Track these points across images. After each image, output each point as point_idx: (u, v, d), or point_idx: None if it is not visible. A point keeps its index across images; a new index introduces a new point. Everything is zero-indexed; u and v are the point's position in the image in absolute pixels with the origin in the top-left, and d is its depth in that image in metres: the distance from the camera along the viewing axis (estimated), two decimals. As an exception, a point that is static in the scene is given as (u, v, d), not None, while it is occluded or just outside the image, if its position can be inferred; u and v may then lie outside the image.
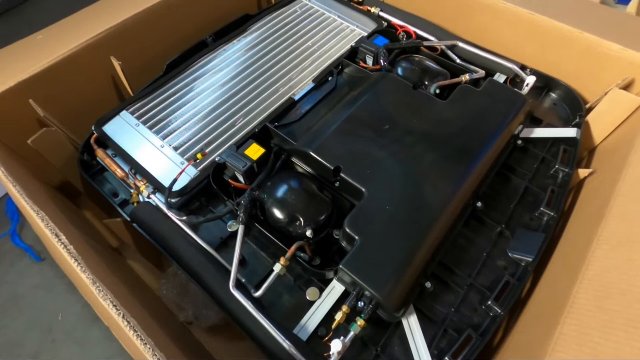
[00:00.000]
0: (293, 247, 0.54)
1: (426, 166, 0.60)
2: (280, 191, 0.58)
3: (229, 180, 0.63)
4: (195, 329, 0.71)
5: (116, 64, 0.75)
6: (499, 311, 0.54)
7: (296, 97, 0.74)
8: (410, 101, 0.68)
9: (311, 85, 0.76)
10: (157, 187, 0.64)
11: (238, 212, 0.56)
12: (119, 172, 0.65)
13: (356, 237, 0.53)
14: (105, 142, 0.69)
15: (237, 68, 0.79)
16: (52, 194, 0.67)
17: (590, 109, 0.74)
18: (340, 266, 0.51)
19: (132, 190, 0.65)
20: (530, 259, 0.57)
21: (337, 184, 0.62)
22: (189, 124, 0.71)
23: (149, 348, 0.40)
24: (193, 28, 0.86)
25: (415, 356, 0.51)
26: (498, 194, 0.66)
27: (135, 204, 0.63)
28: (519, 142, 0.70)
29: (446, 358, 0.51)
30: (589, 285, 0.44)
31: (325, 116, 0.70)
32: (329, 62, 0.81)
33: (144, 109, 0.72)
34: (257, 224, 0.59)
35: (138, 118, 0.71)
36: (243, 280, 0.56)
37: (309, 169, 0.66)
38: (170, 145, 0.68)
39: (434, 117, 0.66)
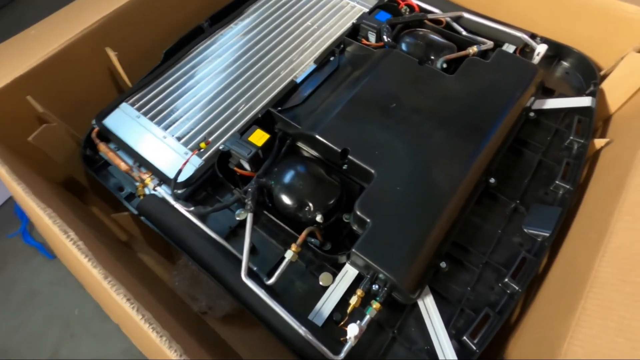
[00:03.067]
0: (304, 233, 0.53)
1: (436, 144, 0.58)
2: (288, 177, 0.57)
3: (235, 169, 0.62)
4: (210, 319, 0.71)
5: (112, 54, 0.73)
6: (517, 288, 0.53)
7: (298, 80, 0.72)
8: (416, 77, 0.66)
9: (313, 66, 0.73)
10: (162, 179, 0.63)
11: (246, 201, 0.55)
12: (123, 166, 0.64)
13: (368, 220, 0.52)
14: (107, 135, 0.68)
15: (236, 53, 0.77)
16: (57, 190, 0.67)
17: (604, 77, 0.71)
18: (353, 250, 0.50)
19: (137, 184, 0.64)
20: (547, 234, 0.56)
21: (345, 167, 0.61)
22: (191, 112, 0.69)
23: (166, 340, 0.40)
24: (188, 13, 0.83)
25: (433, 337, 0.50)
26: (511, 169, 0.64)
27: (141, 197, 0.63)
28: (532, 114, 0.68)
29: (464, 337, 0.50)
30: (611, 258, 0.42)
31: (329, 98, 0.68)
32: (330, 41, 0.78)
33: (144, 100, 0.71)
34: (265, 212, 0.58)
35: (138, 109, 0.70)
36: (255, 268, 0.55)
37: (315, 153, 0.64)
38: (172, 135, 0.67)
39: (441, 92, 0.63)
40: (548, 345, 0.42)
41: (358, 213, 0.53)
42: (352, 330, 0.47)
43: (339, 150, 0.58)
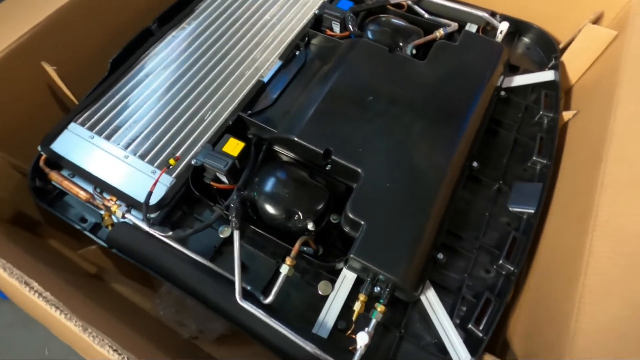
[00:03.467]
0: (297, 245, 0.50)
1: (418, 135, 0.57)
2: (271, 186, 0.54)
3: (211, 183, 0.57)
4: (203, 342, 0.67)
5: (50, 69, 0.64)
6: (512, 269, 0.53)
7: (265, 79, 0.67)
8: (388, 66, 0.64)
9: (279, 63, 0.69)
10: (130, 204, 0.57)
11: (230, 218, 0.52)
12: (83, 195, 0.57)
13: (362, 222, 0.50)
14: (58, 162, 0.60)
15: (193, 55, 0.71)
16: (5, 230, 0.58)
17: (563, 50, 0.73)
18: (352, 256, 0.48)
19: (102, 212, 0.58)
20: (532, 211, 0.57)
21: (328, 167, 0.58)
22: (152, 126, 0.63)
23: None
24: (132, 15, 0.75)
25: (439, 330, 0.50)
26: (489, 150, 0.65)
27: (109, 227, 0.56)
28: (502, 93, 0.69)
29: (470, 326, 0.50)
30: (602, 232, 0.43)
31: (301, 96, 0.65)
32: (292, 34, 0.74)
33: (96, 118, 0.63)
34: (251, 225, 0.54)
35: (91, 129, 0.62)
36: (248, 288, 0.52)
37: (294, 156, 0.61)
38: (135, 154, 0.61)
39: (416, 80, 0.62)
40: (555, 324, 0.42)
41: (351, 216, 0.51)
42: (362, 339, 0.46)
43: (321, 152, 0.55)
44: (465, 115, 0.59)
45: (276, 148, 0.62)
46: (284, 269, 0.50)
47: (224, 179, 0.57)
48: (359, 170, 0.54)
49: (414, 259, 0.49)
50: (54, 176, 0.59)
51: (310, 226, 0.52)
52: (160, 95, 0.66)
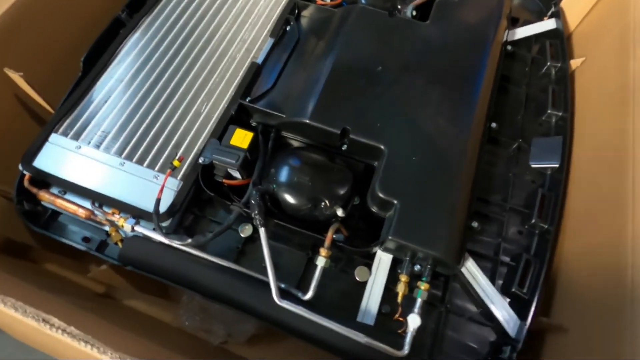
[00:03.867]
0: (330, 234, 0.47)
1: (435, 101, 0.54)
2: (291, 175, 0.50)
3: (224, 182, 0.53)
4: (233, 346, 0.64)
5: (15, 76, 0.56)
6: (545, 227, 0.53)
7: (259, 60, 0.62)
8: (391, 32, 0.60)
9: (270, 41, 0.64)
10: (137, 214, 0.52)
11: (252, 214, 0.48)
12: (82, 213, 0.52)
13: (394, 201, 0.47)
14: (45, 180, 0.54)
15: (174, 43, 0.64)
16: (4, 264, 0.52)
17: (561, -5, 0.70)
18: (390, 237, 0.46)
19: (106, 229, 0.53)
20: (557, 165, 0.56)
21: (344, 148, 0.55)
22: (144, 127, 0.57)
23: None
24: (101, 4, 0.67)
25: (484, 298, 0.49)
26: (502, 108, 0.63)
27: (119, 244, 0.51)
28: (509, 47, 0.66)
29: (513, 289, 0.49)
30: (644, 176, 0.42)
31: (303, 74, 0.60)
32: (280, 7, 0.68)
33: (79, 125, 0.57)
34: (276, 220, 0.50)
35: (75, 138, 0.56)
36: (282, 286, 0.49)
37: (306, 140, 0.57)
38: (131, 160, 0.55)
39: (423, 43, 0.58)
40: (607, 278, 0.42)
41: (382, 196, 0.48)
42: (414, 322, 0.44)
43: (338, 132, 0.51)
44: (479, 74, 0.56)
45: (285, 134, 0.58)
46: (320, 261, 0.47)
47: (237, 174, 0.52)
48: (382, 146, 0.50)
49: (454, 232, 0.47)
50: (44, 196, 0.53)
51: (340, 212, 0.48)
52: (146, 92, 0.60)
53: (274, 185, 0.50)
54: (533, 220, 0.53)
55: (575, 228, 0.52)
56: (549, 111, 0.61)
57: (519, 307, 0.49)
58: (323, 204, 0.49)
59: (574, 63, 0.65)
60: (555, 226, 0.52)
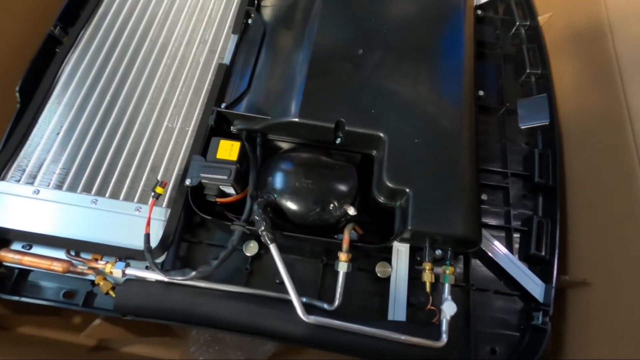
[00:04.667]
0: (346, 236, 0.44)
1: (425, 77, 0.51)
2: (293, 181, 0.46)
3: (217, 200, 0.48)
4: (254, 368, 0.60)
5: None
6: (550, 183, 0.53)
7: (226, 61, 0.56)
8: (364, 9, 0.56)
9: (234, 37, 0.58)
10: (124, 255, 0.46)
11: (259, 231, 0.43)
12: (58, 266, 0.45)
13: (406, 190, 0.45)
14: (3, 237, 0.46)
15: (126, 54, 0.56)
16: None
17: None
18: (410, 227, 0.43)
19: (92, 278, 0.46)
20: (547, 122, 0.56)
21: (338, 141, 0.51)
22: (111, 155, 0.50)
23: None
24: (23, 19, 0.57)
25: (507, 268, 0.49)
26: (481, 74, 0.62)
27: (110, 293, 0.45)
28: (479, 12, 0.65)
29: (532, 252, 0.49)
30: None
31: (278, 68, 0.55)
32: (235, 1, 0.62)
33: (30, 166, 0.49)
34: (282, 231, 0.46)
35: (30, 182, 0.48)
36: (304, 299, 0.45)
37: (296, 140, 0.53)
38: (104, 195, 0.48)
39: (400, 18, 0.55)
40: (624, 223, 0.42)
41: (391, 186, 0.45)
42: (451, 309, 0.42)
43: (332, 126, 0.48)
44: (461, 42, 0.54)
45: (272, 136, 0.53)
46: (342, 267, 0.44)
47: (230, 190, 0.47)
48: (381, 134, 0.47)
49: (470, 209, 0.45)
50: (6, 256, 0.45)
51: (351, 211, 0.45)
52: (104, 114, 0.52)
53: (275, 195, 0.46)
54: (536, 180, 0.53)
55: (577, 182, 0.52)
56: (527, 71, 0.61)
57: (540, 269, 0.49)
58: (332, 205, 0.46)
59: (542, 19, 0.65)
60: (557, 182, 0.52)
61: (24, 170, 0.49)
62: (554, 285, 0.46)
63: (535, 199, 0.54)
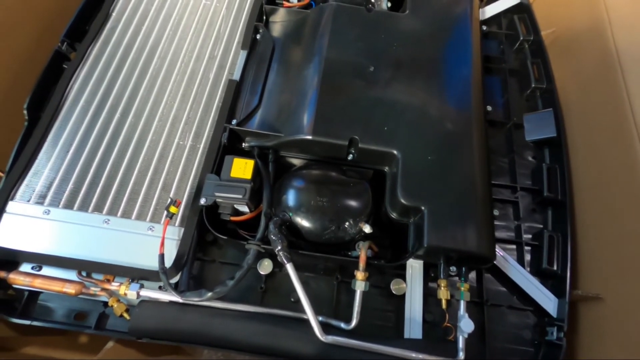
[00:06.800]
0: (362, 254, 0.44)
1: (436, 93, 0.52)
2: (308, 199, 0.46)
3: (231, 219, 0.47)
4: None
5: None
6: (559, 197, 0.53)
7: (236, 76, 0.56)
8: (373, 27, 0.56)
9: (244, 53, 0.58)
10: (137, 276, 0.45)
11: (275, 250, 0.43)
12: (70, 288, 0.44)
13: (422, 207, 0.45)
14: (12, 259, 0.45)
15: (134, 70, 0.56)
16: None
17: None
18: (426, 245, 0.43)
19: (105, 299, 0.45)
20: (554, 135, 0.57)
21: (350, 157, 0.51)
22: (122, 173, 0.50)
23: None
24: (27, 34, 0.57)
25: (521, 284, 0.49)
26: (488, 89, 0.63)
27: (125, 315, 0.44)
28: (484, 27, 0.66)
29: (544, 267, 0.50)
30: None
31: (289, 85, 0.55)
32: (243, 16, 0.62)
33: (40, 186, 0.48)
34: (296, 250, 0.46)
35: (40, 202, 0.47)
36: (320, 318, 0.45)
37: (307, 157, 0.53)
38: (115, 215, 0.47)
39: (408, 35, 0.56)
40: (636, 239, 0.43)
41: (407, 203, 0.45)
42: (468, 326, 0.43)
43: (346, 144, 0.48)
44: (469, 58, 0.55)
45: (283, 153, 0.53)
46: (359, 286, 0.44)
47: (245, 208, 0.47)
48: (394, 151, 0.48)
49: (484, 224, 0.45)
50: (17, 279, 0.44)
51: (367, 229, 0.45)
52: (114, 132, 0.52)
53: (290, 214, 0.46)
54: (545, 194, 0.54)
55: (586, 196, 0.53)
56: (533, 85, 0.62)
57: (552, 284, 0.49)
58: (347, 223, 0.46)
59: (544, 35, 0.66)
60: (567, 197, 0.53)
61: (33, 190, 0.48)
62: (567, 300, 0.47)
63: (545, 213, 0.55)
